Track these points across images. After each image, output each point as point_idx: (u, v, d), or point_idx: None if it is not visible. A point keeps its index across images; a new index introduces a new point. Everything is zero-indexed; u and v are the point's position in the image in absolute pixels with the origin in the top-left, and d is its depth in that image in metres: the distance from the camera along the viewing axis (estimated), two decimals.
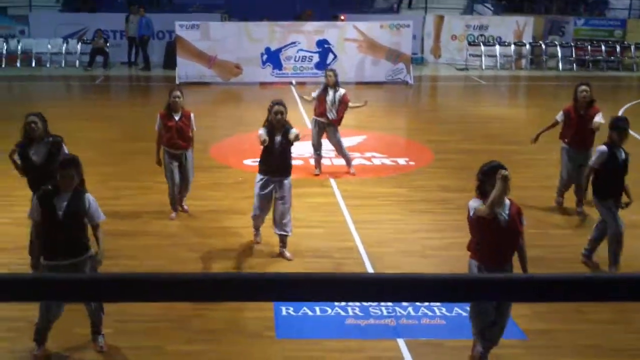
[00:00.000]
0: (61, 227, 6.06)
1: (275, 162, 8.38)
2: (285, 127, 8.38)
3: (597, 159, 7.97)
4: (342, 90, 11.52)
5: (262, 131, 8.35)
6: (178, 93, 9.60)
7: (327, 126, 11.52)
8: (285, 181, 8.46)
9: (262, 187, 8.46)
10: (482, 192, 6.06)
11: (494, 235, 5.99)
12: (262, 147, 8.37)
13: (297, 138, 8.32)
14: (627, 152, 8.10)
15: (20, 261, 7.94)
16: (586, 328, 6.97)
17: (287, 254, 8.50)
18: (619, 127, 7.95)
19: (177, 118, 9.48)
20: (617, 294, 1.65)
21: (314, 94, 11.62)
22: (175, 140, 9.48)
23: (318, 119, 11.56)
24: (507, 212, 6.01)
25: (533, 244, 8.97)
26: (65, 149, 7.77)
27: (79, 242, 6.19)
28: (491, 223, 5.95)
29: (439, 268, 8.06)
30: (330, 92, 11.41)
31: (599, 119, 9.71)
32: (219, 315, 7.00)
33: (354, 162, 12.14)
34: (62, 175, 6.09)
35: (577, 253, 8.44)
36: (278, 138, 8.34)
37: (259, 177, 8.52)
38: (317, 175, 11.75)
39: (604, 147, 7.96)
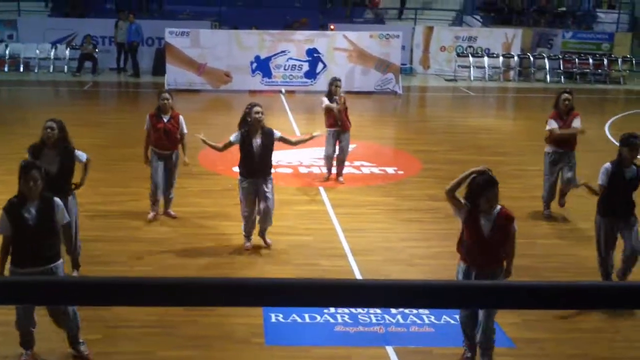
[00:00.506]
0: (33, 237, 5.99)
1: (256, 164, 8.58)
2: (262, 129, 8.57)
3: (603, 177, 7.71)
4: (337, 96, 11.74)
5: (234, 136, 8.74)
6: (167, 95, 9.87)
7: (341, 133, 11.70)
8: (268, 179, 8.72)
9: (246, 190, 8.70)
10: (473, 202, 6.10)
11: (476, 243, 6.06)
12: (240, 150, 8.67)
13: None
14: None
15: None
16: (574, 337, 7.01)
17: (269, 240, 8.92)
18: (630, 143, 7.66)
19: (165, 120, 9.70)
20: (602, 301, 1.70)
21: (324, 105, 11.65)
22: (163, 142, 9.68)
23: (332, 129, 11.67)
24: (492, 221, 6.04)
25: (521, 254, 8.99)
26: (82, 156, 7.75)
27: (52, 249, 6.12)
28: (473, 231, 6.01)
29: (427, 276, 8.09)
30: (336, 100, 11.63)
31: (577, 124, 10.16)
32: (209, 321, 7.00)
33: (344, 171, 12.20)
34: (25, 179, 5.99)
35: (565, 262, 8.51)
36: (257, 140, 8.52)
37: (240, 179, 8.77)
38: (326, 180, 11.92)
39: (607, 165, 7.74)
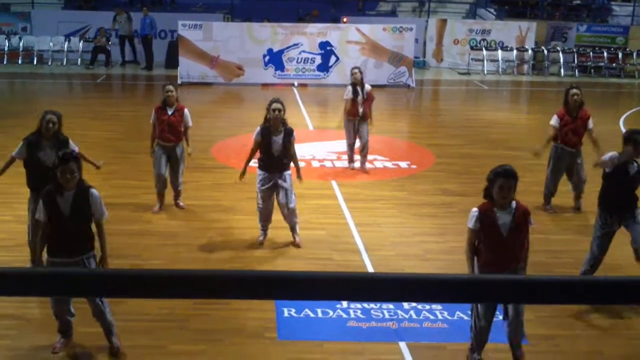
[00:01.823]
0: (68, 227, 6.01)
1: (274, 161, 8.55)
2: (285, 127, 8.51)
3: (611, 159, 7.50)
4: (367, 86, 11.98)
5: (255, 133, 8.62)
6: (171, 87, 9.92)
7: (359, 122, 11.87)
8: (286, 174, 8.67)
9: (263, 183, 8.67)
10: (489, 194, 5.98)
11: (495, 243, 5.92)
12: (259, 147, 8.62)
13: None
14: None
15: (22, 258, 7.95)
16: (589, 333, 6.97)
17: (297, 239, 8.87)
18: (636, 140, 7.47)
19: (170, 112, 9.77)
20: (614, 297, 1.65)
21: (346, 97, 11.89)
22: (166, 134, 9.75)
23: (350, 118, 11.90)
24: (510, 219, 5.91)
25: (533, 249, 8.92)
26: (75, 147, 7.71)
27: (86, 239, 6.15)
28: (491, 231, 5.91)
29: (440, 271, 7.99)
30: (359, 90, 11.81)
31: (591, 125, 10.17)
32: (221, 315, 7.00)
33: (355, 165, 12.19)
34: (62, 171, 5.97)
35: (577, 258, 8.41)
36: (276, 138, 8.47)
37: (259, 172, 8.71)
38: (352, 169, 12.19)
39: (614, 153, 7.57)
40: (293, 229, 8.89)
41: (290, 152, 8.66)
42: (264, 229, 8.88)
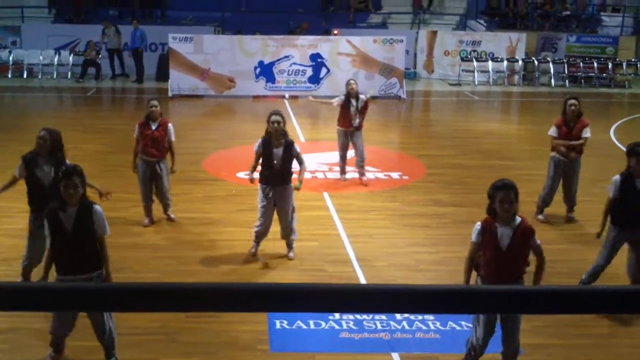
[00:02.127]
0: (72, 243, 5.93)
1: (275, 173, 8.49)
2: (285, 139, 8.47)
3: (612, 190, 7.48)
4: (362, 97, 12.04)
5: (256, 145, 8.55)
6: (155, 102, 9.87)
7: (353, 133, 11.94)
8: (287, 187, 8.64)
9: (264, 197, 8.58)
10: (492, 210, 5.96)
11: (493, 257, 5.91)
12: (260, 158, 8.56)
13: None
14: None
15: (10, 272, 7.88)
16: (583, 343, 6.94)
17: (291, 254, 8.80)
18: (637, 152, 7.35)
19: (153, 127, 9.71)
20: (613, 306, 1.66)
21: (335, 102, 12.04)
22: (149, 149, 9.68)
23: (343, 129, 11.98)
24: (511, 234, 5.88)
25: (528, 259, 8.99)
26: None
27: (93, 256, 6.07)
28: (491, 244, 5.89)
29: (432, 282, 8.01)
30: (353, 102, 11.85)
31: (587, 134, 10.13)
32: (213, 328, 6.94)
33: (347, 176, 12.18)
34: (65, 185, 5.89)
35: (572, 268, 8.43)
36: (276, 150, 8.43)
37: (260, 186, 8.65)
38: (344, 180, 12.20)
39: (616, 177, 7.50)
40: (289, 246, 8.84)
41: (290, 165, 8.65)
42: (257, 240, 8.82)
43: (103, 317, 6.10)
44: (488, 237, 5.90)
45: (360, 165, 12.10)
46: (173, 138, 9.84)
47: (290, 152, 8.56)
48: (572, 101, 10.16)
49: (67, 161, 7.49)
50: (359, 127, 11.92)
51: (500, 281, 5.89)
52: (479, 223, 6.02)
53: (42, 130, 7.50)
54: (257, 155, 8.61)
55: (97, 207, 6.07)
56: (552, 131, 10.21)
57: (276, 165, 8.49)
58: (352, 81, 12.15)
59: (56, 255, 6.00)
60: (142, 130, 9.68)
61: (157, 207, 10.01)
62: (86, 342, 6.31)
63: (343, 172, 12.27)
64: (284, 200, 8.63)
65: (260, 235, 8.75)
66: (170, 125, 9.85)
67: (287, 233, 8.75)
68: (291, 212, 8.73)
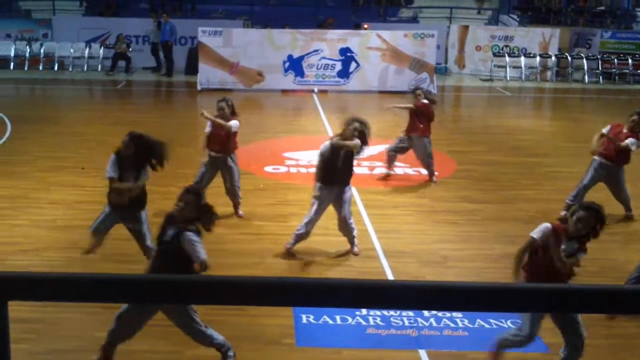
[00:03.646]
0: (165, 261, 6.05)
1: (338, 173, 8.47)
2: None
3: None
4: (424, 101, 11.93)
5: (323, 146, 8.50)
6: (222, 104, 9.80)
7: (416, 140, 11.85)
8: (347, 188, 8.61)
9: (322, 197, 8.53)
10: (565, 221, 5.98)
11: (549, 263, 5.88)
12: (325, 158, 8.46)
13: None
14: None
15: (40, 262, 7.92)
16: (612, 343, 6.83)
17: (355, 249, 8.76)
18: None
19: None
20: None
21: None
22: (212, 145, 9.83)
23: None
24: (576, 248, 5.89)
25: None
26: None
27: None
28: (550, 256, 5.86)
29: (460, 279, 7.91)
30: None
31: (630, 142, 9.73)
32: (239, 322, 6.92)
33: (375, 172, 12.08)
34: (178, 198, 6.14)
35: (604, 267, 8.28)
36: (341, 152, 8.38)
37: (320, 186, 8.52)
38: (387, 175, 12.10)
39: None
40: (352, 242, 8.80)
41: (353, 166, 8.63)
42: (297, 241, 8.73)
43: (185, 319, 6.07)
44: (553, 242, 5.85)
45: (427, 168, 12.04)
46: (234, 129, 9.75)
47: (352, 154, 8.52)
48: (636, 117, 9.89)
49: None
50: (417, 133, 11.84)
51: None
52: (549, 224, 5.98)
53: (127, 135, 7.56)
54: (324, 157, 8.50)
55: (189, 234, 5.92)
56: (605, 129, 9.91)
57: (340, 165, 8.44)
58: (417, 90, 12.13)
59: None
60: (213, 126, 9.70)
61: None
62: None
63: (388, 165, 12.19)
64: (344, 200, 8.58)
65: (303, 237, 8.68)
66: (232, 122, 9.70)
67: (348, 233, 8.73)
68: (348, 211, 8.71)
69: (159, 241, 6.11)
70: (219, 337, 6.20)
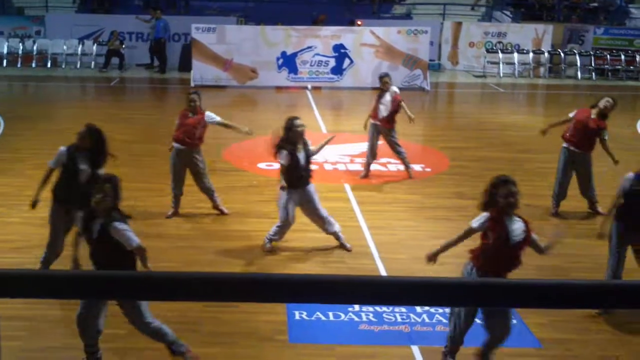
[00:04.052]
0: (99, 252, 5.98)
1: (301, 175, 8.52)
2: (304, 140, 8.56)
3: (621, 186, 7.33)
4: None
5: (283, 159, 8.41)
6: (194, 97, 9.87)
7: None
8: (311, 185, 8.64)
9: (291, 200, 8.54)
10: (490, 205, 5.99)
11: (500, 250, 5.91)
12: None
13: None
14: None
15: (33, 260, 7.91)
16: (602, 338, 6.87)
17: (347, 245, 8.78)
18: None
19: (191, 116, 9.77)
20: (632, 301, 1.65)
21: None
22: (184, 138, 9.76)
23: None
24: (524, 229, 5.95)
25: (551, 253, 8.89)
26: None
27: (120, 264, 6.00)
28: (500, 237, 5.88)
29: (453, 275, 7.93)
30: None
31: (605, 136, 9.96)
32: (232, 318, 6.94)
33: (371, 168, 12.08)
34: (96, 190, 6.00)
35: (595, 263, 8.31)
36: (301, 154, 8.44)
37: (288, 190, 8.50)
38: (362, 178, 11.92)
39: (630, 174, 7.34)
40: (339, 239, 8.82)
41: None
42: (271, 240, 8.81)
43: (139, 311, 6.05)
44: (498, 229, 5.88)
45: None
46: (218, 119, 9.90)
47: (308, 149, 8.58)
48: (609, 100, 10.11)
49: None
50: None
51: (499, 275, 5.91)
52: (487, 212, 6.00)
53: (84, 127, 7.55)
54: (284, 168, 8.47)
55: (117, 224, 5.91)
56: (571, 113, 10.14)
57: (302, 167, 8.48)
58: (385, 77, 12.02)
59: (89, 256, 6.02)
60: (182, 119, 9.71)
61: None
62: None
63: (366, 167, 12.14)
64: (313, 199, 8.63)
65: (279, 237, 8.76)
66: (207, 113, 9.84)
67: (332, 227, 8.73)
68: (321, 207, 8.75)
69: (88, 240, 5.98)
70: (169, 332, 6.19)
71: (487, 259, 5.94)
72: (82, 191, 7.36)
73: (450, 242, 6.17)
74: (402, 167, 12.44)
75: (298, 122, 8.48)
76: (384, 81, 11.81)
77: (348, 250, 8.73)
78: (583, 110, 10.12)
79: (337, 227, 8.76)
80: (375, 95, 11.92)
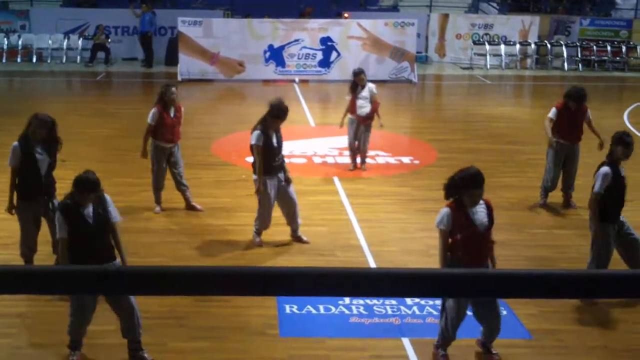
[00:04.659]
0: (95, 236, 5.98)
1: (276, 161, 8.47)
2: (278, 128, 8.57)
3: (602, 183, 7.23)
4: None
5: (255, 138, 8.34)
6: (174, 89, 9.92)
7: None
8: (283, 173, 8.60)
9: (269, 188, 8.50)
10: (453, 195, 6.06)
11: (473, 238, 5.97)
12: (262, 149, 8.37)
13: None
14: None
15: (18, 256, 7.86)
16: (593, 328, 6.90)
17: (304, 237, 8.75)
18: (625, 142, 7.36)
19: (172, 114, 9.73)
20: (621, 290, 1.66)
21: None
22: (168, 135, 9.70)
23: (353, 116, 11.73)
24: (487, 213, 6.03)
25: (538, 244, 8.94)
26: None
27: (110, 247, 6.14)
28: (467, 226, 5.94)
29: None
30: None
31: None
32: (222, 313, 6.93)
33: (358, 160, 12.06)
34: (84, 196, 5.97)
35: (582, 253, 8.32)
36: (273, 137, 8.40)
37: (263, 179, 8.47)
38: (351, 170, 11.87)
39: (606, 169, 7.29)
40: (296, 233, 8.83)
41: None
42: (259, 233, 8.82)
43: (130, 301, 6.03)
44: (463, 220, 5.93)
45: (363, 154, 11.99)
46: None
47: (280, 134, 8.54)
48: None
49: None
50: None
51: (482, 260, 6.01)
52: (447, 208, 6.04)
53: (36, 118, 7.41)
54: (257, 148, 8.39)
55: (106, 195, 6.13)
56: (552, 114, 10.09)
57: (277, 151, 8.47)
58: (361, 74, 11.80)
59: (75, 248, 5.96)
60: (162, 118, 9.57)
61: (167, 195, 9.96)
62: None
63: (354, 160, 12.09)
64: (287, 186, 8.62)
65: (264, 227, 8.76)
66: (182, 109, 9.89)
67: (295, 221, 8.74)
68: (294, 196, 8.76)
69: (82, 231, 5.99)
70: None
71: (463, 251, 5.99)
72: (45, 181, 7.34)
73: (441, 254, 6.09)
74: (391, 160, 12.46)
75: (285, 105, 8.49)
76: (360, 78, 11.65)
77: (307, 242, 8.72)
78: (560, 105, 10.11)
79: (299, 221, 8.75)
80: (348, 89, 11.72)
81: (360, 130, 11.61)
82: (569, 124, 9.98)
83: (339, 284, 1.59)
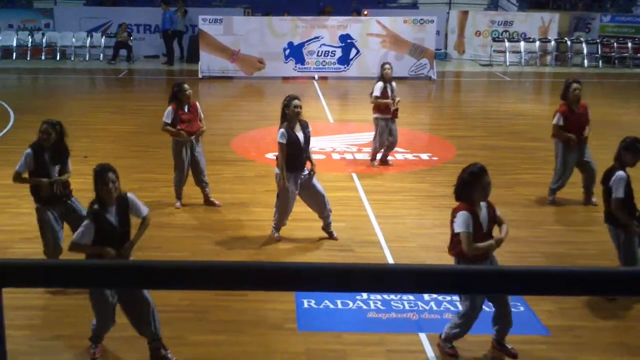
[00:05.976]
0: (118, 238, 6.04)
1: (302, 158, 8.54)
2: (301, 122, 8.57)
3: (620, 187, 7.18)
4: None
5: (281, 136, 8.42)
6: (188, 86, 9.96)
7: (392, 122, 11.79)
8: (306, 169, 8.66)
9: (291, 185, 8.57)
10: (465, 195, 6.13)
11: (479, 239, 6.06)
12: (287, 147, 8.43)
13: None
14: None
15: (40, 250, 7.99)
16: (611, 325, 6.89)
17: (334, 233, 8.86)
18: (635, 148, 7.36)
19: (186, 110, 9.82)
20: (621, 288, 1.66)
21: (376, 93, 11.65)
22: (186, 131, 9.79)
23: (385, 117, 11.71)
24: (488, 214, 6.17)
25: (556, 241, 8.94)
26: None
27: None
28: (477, 228, 6.05)
29: None
30: (389, 87, 11.73)
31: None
32: (241, 307, 7.01)
33: (378, 156, 12.09)
34: (102, 183, 5.96)
35: (601, 250, 8.34)
36: (299, 134, 8.46)
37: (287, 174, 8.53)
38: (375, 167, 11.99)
39: (622, 174, 7.24)
40: (328, 227, 8.91)
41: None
42: (278, 229, 8.91)
43: (145, 297, 6.08)
44: (475, 223, 6.04)
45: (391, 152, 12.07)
46: (202, 115, 9.95)
47: (308, 131, 8.59)
48: (576, 85, 10.00)
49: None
50: (394, 115, 11.72)
51: (486, 258, 6.16)
52: (465, 212, 6.08)
53: (44, 124, 7.46)
54: (283, 146, 8.44)
55: (129, 195, 6.17)
56: (558, 120, 10.01)
57: (303, 148, 8.52)
58: (387, 65, 11.79)
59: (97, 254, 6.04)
60: (178, 115, 9.68)
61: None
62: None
63: (374, 158, 12.16)
64: (314, 182, 8.69)
65: (283, 224, 8.87)
66: (197, 104, 9.98)
67: (325, 214, 8.81)
68: (322, 190, 8.85)
69: (107, 235, 6.01)
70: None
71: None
72: (57, 186, 7.46)
73: (482, 250, 6.09)
74: (410, 157, 12.52)
75: (296, 102, 8.50)
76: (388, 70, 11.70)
77: (335, 239, 8.79)
78: (562, 107, 10.08)
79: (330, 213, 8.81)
80: (377, 87, 11.64)
81: (394, 126, 11.70)
82: (577, 125, 9.95)
83: (356, 280, 1.61)
